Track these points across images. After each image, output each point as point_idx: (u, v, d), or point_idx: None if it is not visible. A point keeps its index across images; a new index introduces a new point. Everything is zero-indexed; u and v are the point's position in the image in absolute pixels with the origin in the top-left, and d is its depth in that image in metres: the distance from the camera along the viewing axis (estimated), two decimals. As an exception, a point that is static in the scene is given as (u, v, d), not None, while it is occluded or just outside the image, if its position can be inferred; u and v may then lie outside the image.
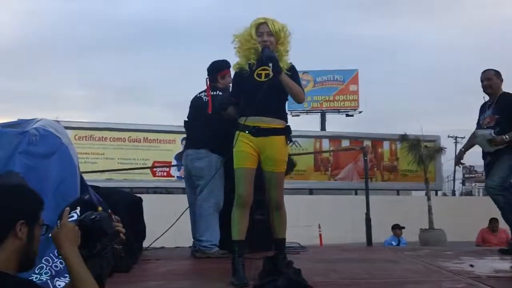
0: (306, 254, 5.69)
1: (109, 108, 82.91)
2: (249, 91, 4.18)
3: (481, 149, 5.89)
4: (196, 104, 5.72)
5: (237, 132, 4.13)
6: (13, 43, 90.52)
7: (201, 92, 5.75)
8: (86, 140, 22.00)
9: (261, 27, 4.17)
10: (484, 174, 6.05)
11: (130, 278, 4.34)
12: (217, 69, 5.71)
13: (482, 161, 5.98)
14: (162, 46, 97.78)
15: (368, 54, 73.40)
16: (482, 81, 5.92)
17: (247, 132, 4.09)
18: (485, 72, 5.97)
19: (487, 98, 6.00)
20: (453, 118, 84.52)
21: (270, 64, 4.06)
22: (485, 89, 5.90)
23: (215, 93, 5.58)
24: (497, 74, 5.92)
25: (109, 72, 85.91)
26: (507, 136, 5.55)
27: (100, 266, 2.32)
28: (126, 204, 5.33)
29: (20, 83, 78.06)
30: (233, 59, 4.41)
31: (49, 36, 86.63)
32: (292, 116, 29.82)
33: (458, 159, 6.23)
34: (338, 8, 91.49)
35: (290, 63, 4.24)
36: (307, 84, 30.48)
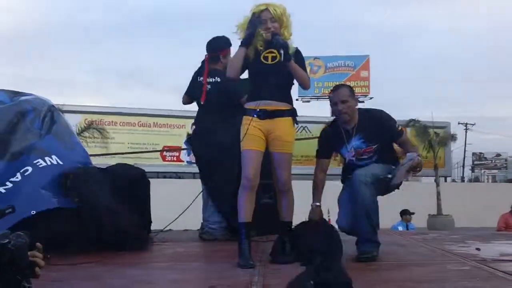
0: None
1: (113, 92, 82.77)
2: (256, 73, 4.20)
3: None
4: (195, 88, 5.52)
5: (244, 116, 4.16)
6: (19, 28, 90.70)
7: (199, 74, 5.48)
8: (96, 124, 22.06)
9: (263, 14, 4.11)
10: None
11: (136, 260, 4.40)
12: (220, 47, 5.41)
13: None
14: (164, 31, 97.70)
15: (379, 40, 73.13)
16: (335, 103, 4.36)
17: (254, 116, 4.09)
18: (337, 91, 4.45)
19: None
20: (464, 105, 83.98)
21: (282, 52, 4.03)
22: (341, 115, 4.36)
23: (213, 79, 5.36)
24: (352, 92, 4.47)
25: (112, 57, 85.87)
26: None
27: None
28: (127, 178, 5.17)
29: (27, 69, 78.23)
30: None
31: (54, 21, 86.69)
32: (303, 102, 29.78)
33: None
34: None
35: (295, 47, 4.20)
36: (318, 70, 30.39)
